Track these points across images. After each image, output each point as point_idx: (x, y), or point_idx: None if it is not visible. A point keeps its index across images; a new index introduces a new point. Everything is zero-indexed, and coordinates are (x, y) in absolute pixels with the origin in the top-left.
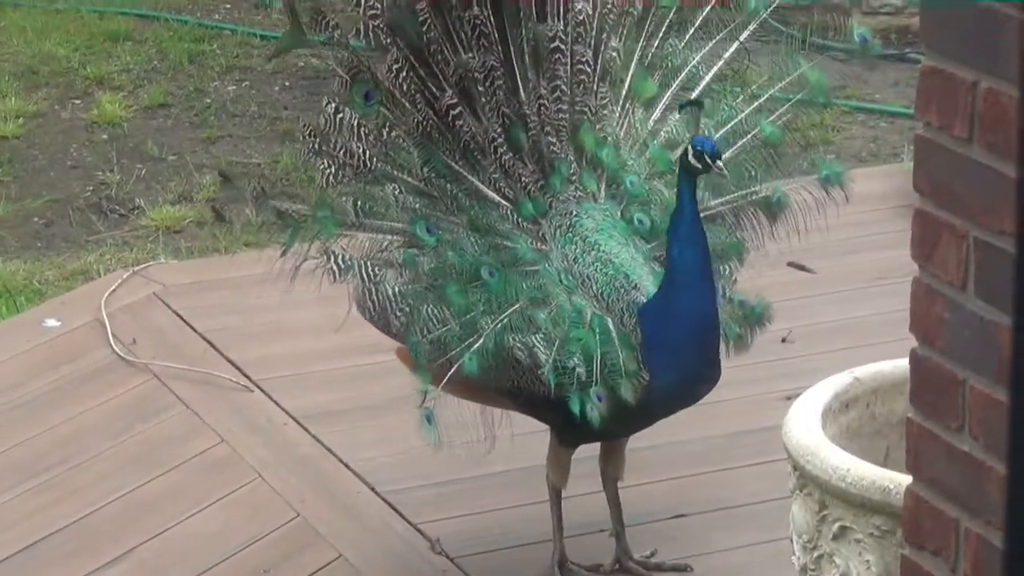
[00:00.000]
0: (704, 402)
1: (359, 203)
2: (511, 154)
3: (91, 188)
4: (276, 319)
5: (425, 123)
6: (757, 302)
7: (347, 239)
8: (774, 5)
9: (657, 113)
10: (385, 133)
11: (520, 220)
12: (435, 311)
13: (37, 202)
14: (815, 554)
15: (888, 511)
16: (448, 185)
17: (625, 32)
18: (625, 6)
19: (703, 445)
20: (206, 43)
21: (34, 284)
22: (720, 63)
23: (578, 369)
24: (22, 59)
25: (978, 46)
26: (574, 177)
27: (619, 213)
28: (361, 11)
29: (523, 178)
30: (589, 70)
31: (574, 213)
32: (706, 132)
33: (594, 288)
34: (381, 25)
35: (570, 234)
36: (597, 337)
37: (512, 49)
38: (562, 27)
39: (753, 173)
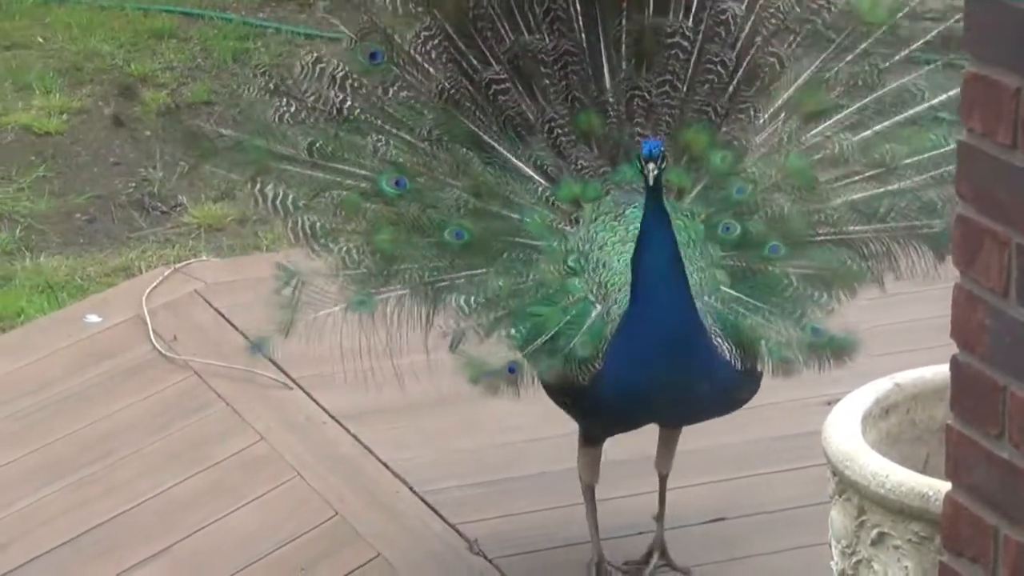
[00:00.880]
0: (745, 406)
1: (318, 143)
2: (571, 137)
3: (133, 185)
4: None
5: (454, 90)
6: (843, 334)
7: (277, 174)
8: None
9: (824, 128)
10: (391, 91)
11: (550, 198)
12: (355, 251)
13: (80, 198)
14: (853, 559)
15: (927, 517)
16: (463, 150)
17: (799, 40)
18: (808, 15)
19: (743, 449)
20: (250, 41)
21: (76, 280)
22: (943, 96)
23: (515, 338)
24: (67, 55)
25: (1022, 53)
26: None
27: (703, 215)
28: None
29: (580, 161)
30: (724, 71)
31: (635, 204)
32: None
33: (604, 275)
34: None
35: (615, 222)
36: (566, 318)
37: (603, 38)
38: (690, 24)
39: (939, 205)
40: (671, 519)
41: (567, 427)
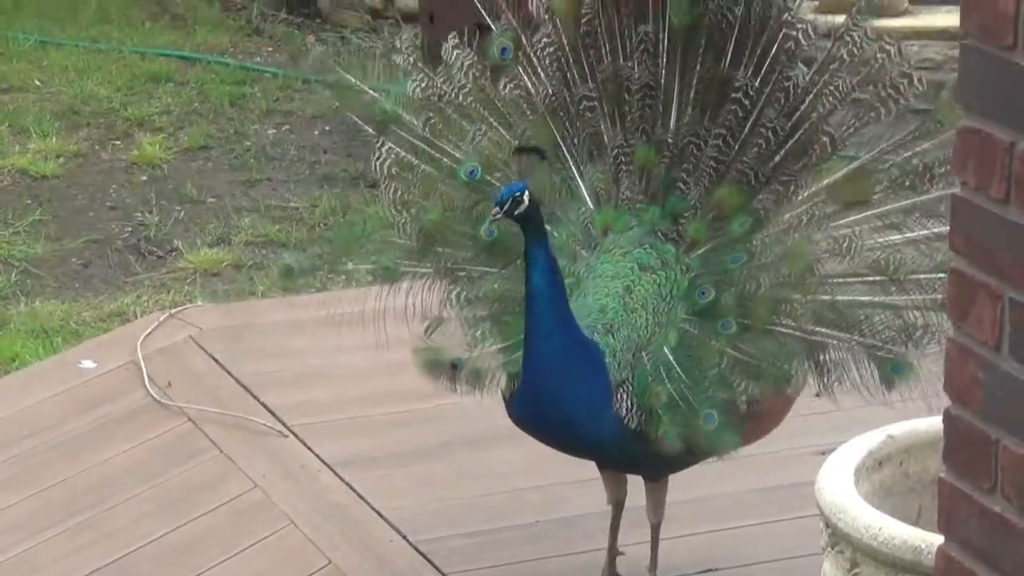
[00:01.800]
0: (738, 454)
1: (432, 121)
2: (630, 167)
3: (130, 229)
4: (312, 364)
5: (555, 98)
6: (728, 433)
7: (394, 137)
8: None
9: (853, 220)
10: (507, 87)
11: (586, 220)
12: (409, 223)
13: (76, 242)
14: None
15: (920, 570)
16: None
17: (857, 125)
18: (875, 101)
19: (736, 499)
20: (247, 86)
21: (71, 325)
22: None
23: (477, 340)
24: (64, 99)
25: (1016, 107)
26: (683, 219)
27: (694, 273)
28: None
29: (627, 191)
30: (775, 138)
31: (646, 246)
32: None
33: (579, 304)
34: (543, 3)
35: (621, 258)
36: (521, 336)
37: (679, 79)
38: (756, 84)
39: (918, 333)
40: (663, 569)
41: (561, 475)
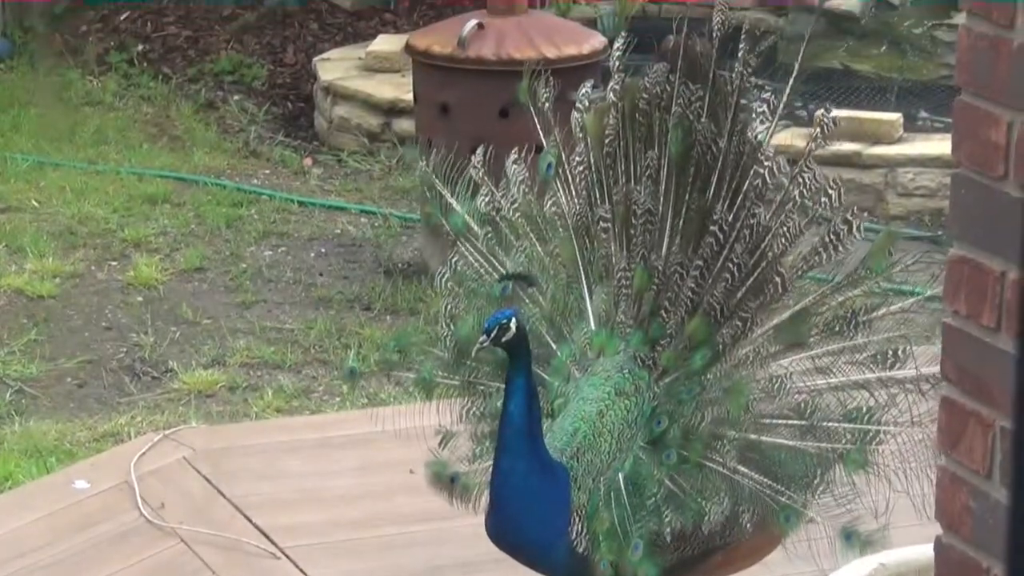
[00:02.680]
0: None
1: (489, 235)
2: (628, 291)
3: (125, 350)
4: (306, 486)
5: (579, 218)
6: (648, 567)
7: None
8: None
9: (790, 361)
10: (547, 204)
11: (585, 343)
12: (448, 336)
13: (71, 362)
14: None
15: None
16: (564, 277)
17: (805, 267)
18: (819, 246)
19: None
20: (244, 208)
21: (65, 445)
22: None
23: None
24: (61, 219)
25: (1006, 237)
26: (660, 346)
27: (655, 404)
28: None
29: (622, 316)
30: (738, 274)
31: (625, 371)
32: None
33: (556, 423)
34: (580, 122)
35: (603, 382)
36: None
37: (672, 207)
38: (729, 219)
39: (815, 481)
40: None
41: None
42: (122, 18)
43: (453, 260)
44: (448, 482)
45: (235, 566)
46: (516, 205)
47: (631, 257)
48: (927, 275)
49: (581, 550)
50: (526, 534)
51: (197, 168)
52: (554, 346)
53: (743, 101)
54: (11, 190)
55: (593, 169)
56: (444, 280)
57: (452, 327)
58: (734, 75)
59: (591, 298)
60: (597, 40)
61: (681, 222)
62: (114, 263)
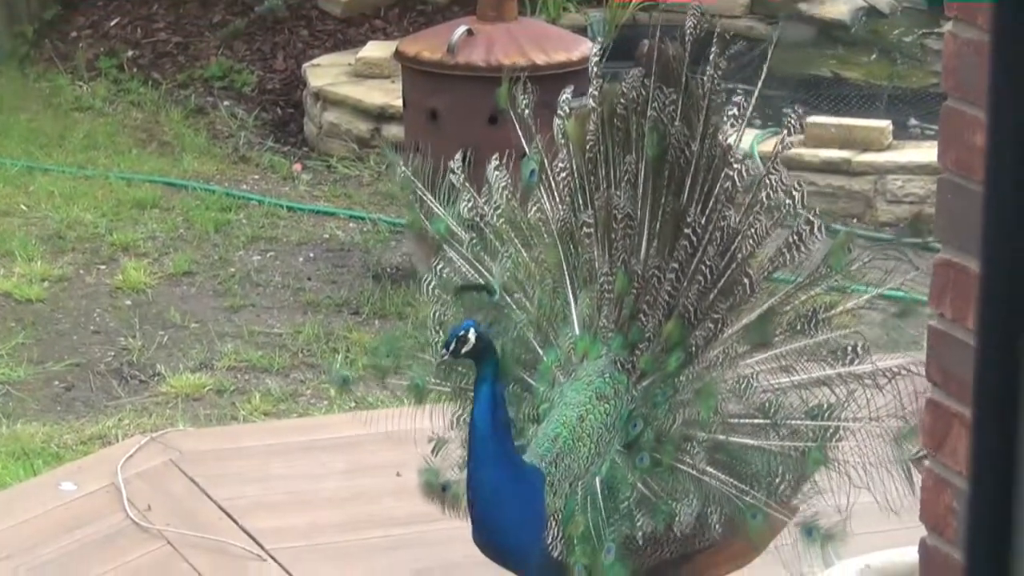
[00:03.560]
0: None
1: (474, 239)
2: (610, 296)
3: (112, 353)
4: (293, 489)
5: (563, 224)
6: (618, 570)
7: (448, 255)
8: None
9: (756, 361)
10: (531, 210)
11: (570, 348)
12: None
13: (59, 366)
14: None
15: None
16: (550, 282)
17: (771, 268)
18: (783, 247)
19: None
20: (233, 212)
21: (52, 448)
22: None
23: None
24: (49, 223)
25: None
26: (639, 349)
27: (632, 408)
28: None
29: (604, 320)
30: (710, 276)
31: (606, 375)
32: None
33: (541, 428)
34: (561, 128)
35: (585, 387)
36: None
37: (649, 210)
38: (702, 221)
39: (776, 480)
40: None
41: None
42: (112, 24)
43: (438, 266)
44: (440, 491)
45: (221, 568)
46: (499, 211)
47: (612, 261)
48: (881, 272)
49: (556, 554)
50: (503, 540)
51: (186, 173)
52: (541, 351)
53: (715, 103)
54: (0, 195)
55: (576, 175)
56: (430, 286)
57: (441, 333)
58: (705, 78)
59: (576, 303)
60: (587, 47)
61: (658, 225)
62: (102, 267)
